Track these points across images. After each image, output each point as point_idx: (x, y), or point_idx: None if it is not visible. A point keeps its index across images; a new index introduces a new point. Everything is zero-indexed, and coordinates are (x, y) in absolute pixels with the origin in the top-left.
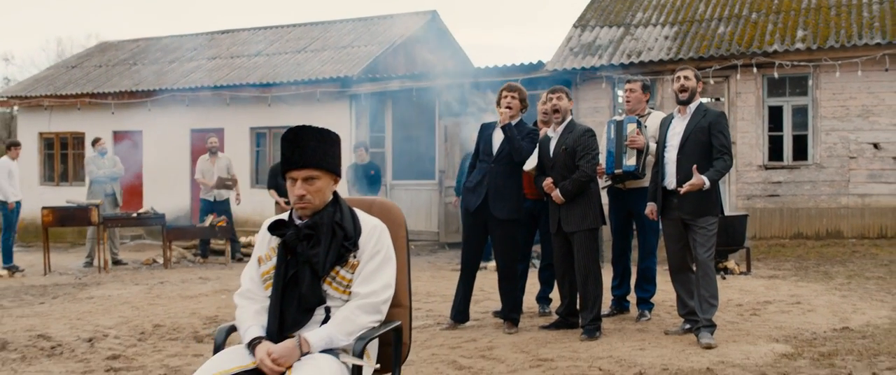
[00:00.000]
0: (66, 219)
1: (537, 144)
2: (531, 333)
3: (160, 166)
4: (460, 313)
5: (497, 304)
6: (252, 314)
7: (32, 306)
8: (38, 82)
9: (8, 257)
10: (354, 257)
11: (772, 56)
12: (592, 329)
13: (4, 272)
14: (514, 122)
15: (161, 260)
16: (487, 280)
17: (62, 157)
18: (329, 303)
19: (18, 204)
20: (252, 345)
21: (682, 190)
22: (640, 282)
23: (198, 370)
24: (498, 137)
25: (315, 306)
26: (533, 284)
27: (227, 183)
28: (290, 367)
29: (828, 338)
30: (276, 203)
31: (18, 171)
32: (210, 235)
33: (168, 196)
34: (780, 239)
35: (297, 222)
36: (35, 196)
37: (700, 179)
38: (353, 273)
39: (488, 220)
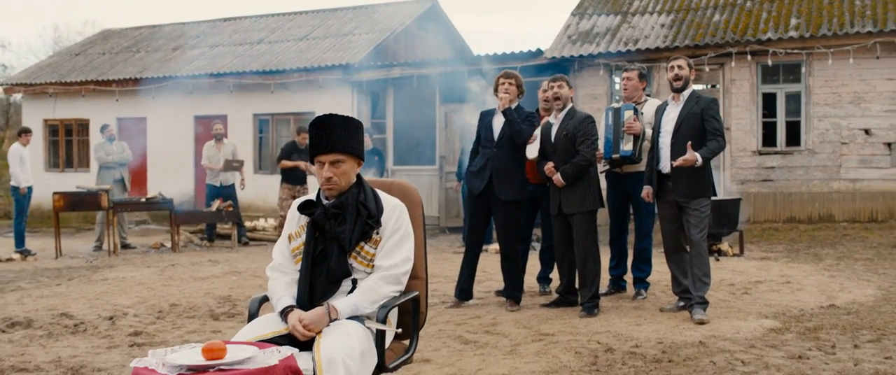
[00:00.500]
0: (77, 204)
1: (535, 127)
2: (532, 310)
3: (164, 152)
4: (464, 292)
5: (498, 285)
6: (283, 285)
7: (50, 287)
8: (42, 69)
9: (20, 241)
10: (377, 234)
11: (766, 44)
12: (591, 307)
13: (17, 255)
14: (512, 107)
15: (169, 244)
16: (489, 262)
17: (67, 144)
18: (354, 275)
19: (30, 189)
20: (284, 313)
21: (675, 163)
22: (636, 263)
23: (235, 335)
24: (498, 123)
25: (342, 278)
26: (533, 265)
27: (234, 164)
28: (319, 332)
29: (814, 314)
30: (286, 170)
31: (30, 157)
32: (217, 219)
33: (172, 181)
34: (773, 222)
35: (325, 202)
36: (40, 182)
37: (693, 155)
38: (375, 248)
39: (492, 202)
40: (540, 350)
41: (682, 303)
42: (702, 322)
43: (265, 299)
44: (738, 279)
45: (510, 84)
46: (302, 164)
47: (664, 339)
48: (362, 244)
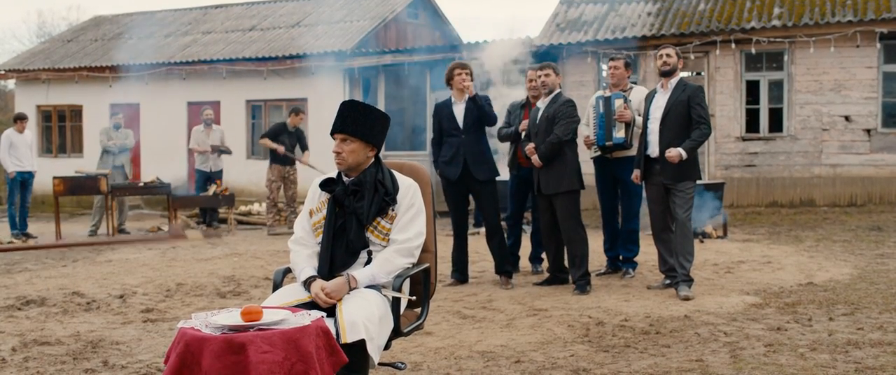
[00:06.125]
0: (77, 188)
1: (506, 111)
2: (526, 289)
3: (157, 138)
4: (460, 272)
5: (490, 265)
6: (305, 257)
7: (56, 268)
8: (35, 56)
9: (12, 224)
10: (393, 210)
11: (749, 32)
12: (583, 285)
13: (16, 239)
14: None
15: (166, 228)
16: (480, 243)
17: (60, 130)
18: (371, 248)
19: (28, 174)
20: (307, 283)
21: (667, 155)
22: (624, 243)
23: (264, 302)
24: (459, 111)
25: (360, 250)
26: (525, 246)
27: (222, 148)
28: (340, 299)
29: (793, 291)
30: (274, 151)
31: (26, 142)
32: (214, 203)
33: (165, 167)
34: (756, 207)
35: (345, 180)
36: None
37: (676, 152)
38: (391, 223)
39: (471, 185)
40: (534, 323)
41: (668, 281)
42: (687, 298)
43: (288, 270)
44: (721, 259)
45: (467, 74)
46: (280, 148)
47: (651, 313)
48: (379, 219)
